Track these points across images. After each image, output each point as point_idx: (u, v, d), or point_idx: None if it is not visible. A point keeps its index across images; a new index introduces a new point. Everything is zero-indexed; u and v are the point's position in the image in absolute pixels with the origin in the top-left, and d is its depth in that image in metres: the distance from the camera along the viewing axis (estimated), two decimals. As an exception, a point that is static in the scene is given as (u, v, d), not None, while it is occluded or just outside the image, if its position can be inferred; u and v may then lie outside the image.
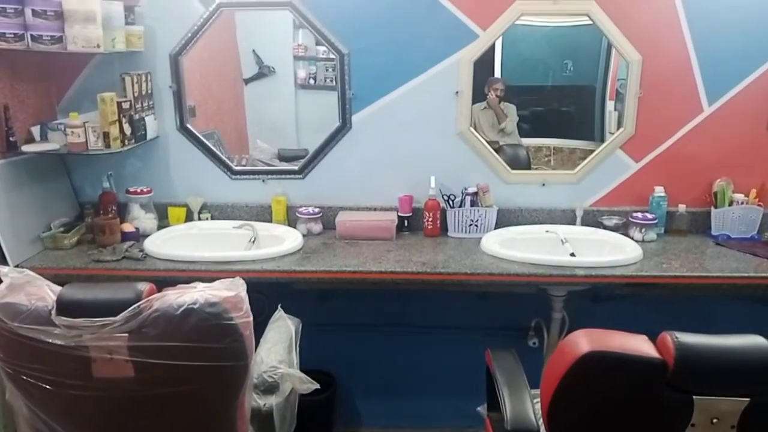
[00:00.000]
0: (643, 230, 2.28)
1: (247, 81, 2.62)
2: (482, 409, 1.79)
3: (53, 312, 1.27)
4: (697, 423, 1.07)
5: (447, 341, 2.50)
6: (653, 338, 1.13)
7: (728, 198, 2.31)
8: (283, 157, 2.55)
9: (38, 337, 1.28)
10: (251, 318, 1.35)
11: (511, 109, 2.55)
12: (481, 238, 2.25)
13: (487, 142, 2.40)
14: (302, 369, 1.70)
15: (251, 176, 2.42)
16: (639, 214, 2.30)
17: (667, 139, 2.34)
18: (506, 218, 2.39)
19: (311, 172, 2.41)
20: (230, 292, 1.31)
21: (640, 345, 1.09)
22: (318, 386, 1.68)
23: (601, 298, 2.34)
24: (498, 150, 2.46)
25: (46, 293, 1.31)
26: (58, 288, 1.33)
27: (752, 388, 1.06)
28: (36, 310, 1.28)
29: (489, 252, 2.14)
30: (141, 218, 2.29)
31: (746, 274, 1.98)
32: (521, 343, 2.42)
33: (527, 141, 2.57)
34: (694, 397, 1.06)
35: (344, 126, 2.35)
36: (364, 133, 2.37)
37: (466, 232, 2.34)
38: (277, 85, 2.64)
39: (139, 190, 2.31)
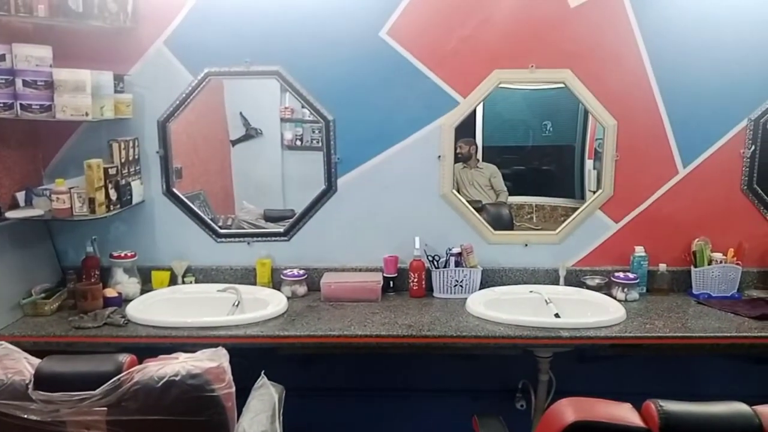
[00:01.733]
0: (626, 290, 2.30)
1: (234, 142, 2.66)
2: (471, 478, 1.75)
3: (30, 386, 1.25)
4: (685, 494, 1.06)
5: (433, 405, 2.46)
6: (638, 401, 1.13)
7: (707, 257, 2.35)
8: (269, 218, 2.56)
9: (13, 412, 1.25)
10: (233, 389, 1.34)
11: (491, 169, 2.61)
12: (466, 298, 2.25)
13: (470, 201, 2.44)
14: None
15: (236, 239, 2.43)
16: (621, 274, 2.33)
17: (645, 199, 2.40)
18: (490, 278, 2.41)
19: (296, 234, 2.43)
20: (213, 362, 1.30)
21: (625, 414, 1.09)
22: (302, 457, 1.64)
23: (587, 359, 2.34)
24: (481, 209, 2.51)
25: (23, 366, 1.29)
26: (36, 361, 1.31)
27: (738, 457, 1.05)
28: (12, 384, 1.26)
29: (474, 313, 2.14)
30: (124, 283, 2.27)
31: (729, 334, 1.99)
32: (509, 405, 2.39)
33: (510, 199, 2.62)
34: (679, 467, 1.05)
35: (330, 189, 2.39)
36: (349, 195, 2.40)
37: (451, 292, 2.35)
38: (263, 146, 2.69)
39: (123, 255, 2.30)
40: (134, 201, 2.29)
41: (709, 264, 2.34)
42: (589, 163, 2.61)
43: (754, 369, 2.35)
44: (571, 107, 2.52)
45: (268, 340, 1.98)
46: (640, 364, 2.37)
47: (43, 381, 1.25)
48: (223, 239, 2.43)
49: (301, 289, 2.35)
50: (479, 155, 2.60)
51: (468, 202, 2.44)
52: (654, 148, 2.37)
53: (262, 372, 1.87)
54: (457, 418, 2.38)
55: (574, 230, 2.43)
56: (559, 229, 2.43)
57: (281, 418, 1.79)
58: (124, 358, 1.29)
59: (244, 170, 2.70)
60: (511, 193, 2.64)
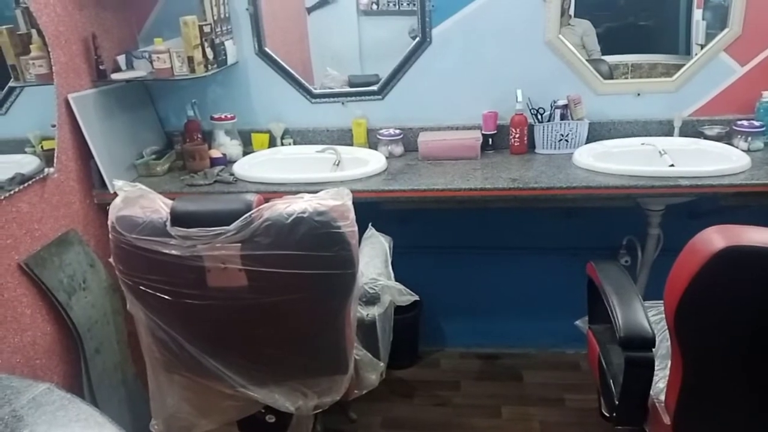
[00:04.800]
0: (749, 139, 2.12)
1: (309, 9, 2.55)
2: (582, 323, 1.76)
3: (168, 223, 1.30)
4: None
5: (532, 262, 2.46)
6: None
7: None
8: (353, 84, 2.48)
9: (155, 248, 1.32)
10: (356, 228, 1.35)
11: (584, 26, 2.38)
12: (571, 153, 2.15)
13: None
14: None
15: (330, 99, 2.39)
16: (744, 122, 2.13)
17: (779, 38, 2.14)
18: (598, 132, 2.28)
19: (390, 93, 2.35)
20: (337, 201, 1.31)
21: (782, 238, 1.02)
22: (417, 297, 1.69)
23: (699, 214, 2.22)
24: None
25: (159, 206, 1.34)
26: (169, 201, 1.36)
27: None
28: (152, 222, 1.32)
29: (583, 166, 2.05)
30: (227, 144, 2.31)
31: None
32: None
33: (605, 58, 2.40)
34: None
35: (424, 41, 2.26)
36: (445, 47, 2.27)
37: (555, 148, 2.25)
38: (339, 12, 2.56)
39: (223, 117, 2.32)
40: (229, 61, 2.27)
41: None
42: (698, 14, 2.32)
43: None
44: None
45: (372, 194, 1.99)
46: (759, 222, 2.24)
47: (178, 218, 1.30)
48: (318, 100, 2.39)
49: (398, 149, 2.31)
50: (572, 10, 2.37)
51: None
52: (796, -25, 2.07)
53: (370, 224, 1.91)
54: (555, 274, 2.39)
55: (693, 76, 2.22)
56: (676, 75, 2.23)
57: (392, 266, 1.85)
58: (253, 197, 1.32)
59: (321, 39, 2.61)
60: (603, 53, 2.41)
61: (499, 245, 2.48)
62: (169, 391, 1.52)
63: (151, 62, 2.10)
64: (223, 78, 2.37)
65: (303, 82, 2.38)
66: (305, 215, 1.27)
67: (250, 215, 1.27)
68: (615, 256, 2.35)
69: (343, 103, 2.39)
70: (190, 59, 2.07)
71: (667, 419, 1.26)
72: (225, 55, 2.24)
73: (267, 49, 2.34)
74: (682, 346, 1.14)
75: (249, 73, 2.38)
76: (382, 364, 1.63)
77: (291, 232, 1.27)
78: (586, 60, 2.32)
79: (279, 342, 1.41)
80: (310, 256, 1.29)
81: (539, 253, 2.44)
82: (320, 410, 1.50)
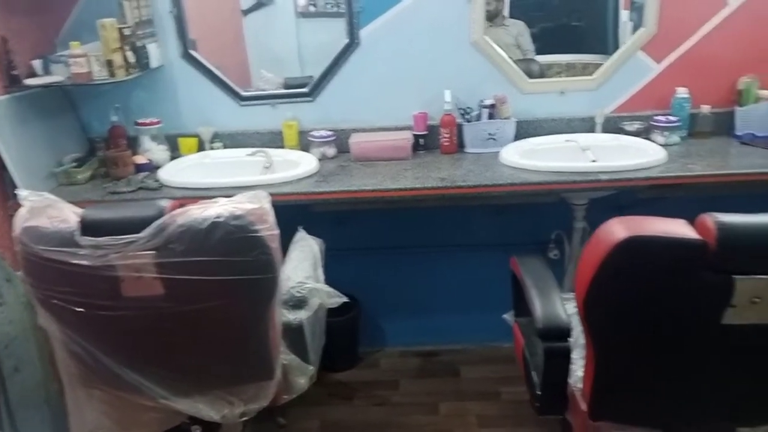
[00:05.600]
0: (666, 133, 2.21)
1: (245, 12, 2.52)
2: (509, 317, 1.79)
3: (77, 233, 1.26)
4: (737, 304, 1.06)
5: (467, 258, 2.50)
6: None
7: (754, 96, 2.23)
8: (289, 86, 2.47)
9: (64, 259, 1.27)
10: (277, 231, 1.33)
11: (518, 26, 2.44)
12: (499, 152, 2.20)
13: None
14: None
15: (260, 102, 2.36)
16: (662, 117, 2.23)
17: (690, 36, 2.24)
18: (525, 130, 2.33)
19: (321, 94, 2.35)
20: (254, 204, 1.29)
21: (679, 228, 1.06)
22: (345, 299, 1.70)
23: (623, 207, 2.30)
24: (511, 66, 2.38)
25: (68, 215, 1.29)
26: (79, 210, 1.31)
27: (795, 264, 1.03)
28: (59, 233, 1.27)
29: (509, 163, 2.09)
30: (153, 150, 2.25)
31: (774, 170, 1.93)
32: (542, 256, 2.41)
33: (538, 59, 2.46)
34: (734, 277, 1.04)
35: (352, 42, 2.27)
36: (373, 49, 2.28)
37: (484, 146, 2.29)
38: (276, 14, 2.54)
39: (148, 122, 2.26)
40: (152, 65, 2.21)
41: (756, 102, 2.23)
42: (624, 14, 2.42)
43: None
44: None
45: (302, 197, 1.98)
46: (678, 213, 2.34)
47: (89, 227, 1.26)
48: (247, 102, 2.36)
49: (331, 151, 2.31)
50: (506, 11, 2.42)
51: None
52: (702, -22, 2.17)
53: (300, 227, 1.89)
54: (489, 268, 2.43)
55: (613, 74, 2.30)
56: (596, 74, 2.31)
57: (323, 269, 1.84)
58: (166, 202, 1.29)
59: (259, 41, 2.58)
60: (538, 53, 2.47)
61: (434, 243, 2.51)
62: (88, 407, 1.46)
63: (68, 67, 2.02)
64: (148, 82, 2.30)
65: (231, 84, 2.34)
66: (221, 220, 1.25)
67: (162, 221, 1.24)
68: (545, 251, 2.41)
69: (273, 106, 2.37)
70: (110, 63, 2.01)
71: (584, 406, 1.30)
72: (148, 58, 2.18)
73: (192, 52, 2.29)
74: (592, 335, 1.18)
75: (175, 76, 2.33)
76: (311, 367, 1.62)
77: (206, 238, 1.25)
78: (521, 60, 2.38)
79: (200, 350, 1.38)
80: (228, 261, 1.27)
81: (473, 250, 2.48)
82: (248, 417, 1.48)
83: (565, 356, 1.34)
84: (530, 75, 2.38)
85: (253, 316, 1.38)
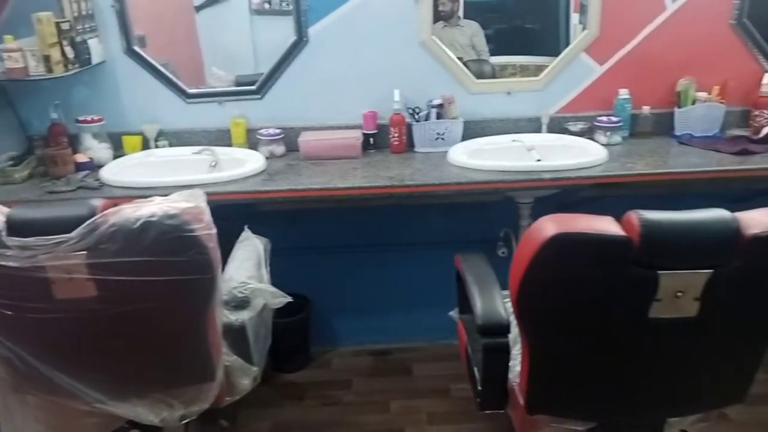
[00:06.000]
0: (608, 133, 2.27)
1: (198, 8, 2.47)
2: (454, 314, 1.81)
3: (3, 233, 1.21)
4: (662, 297, 1.09)
5: (418, 257, 2.51)
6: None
7: (691, 97, 2.31)
8: (241, 84, 2.44)
9: (-11, 260, 1.22)
10: (214, 230, 1.31)
11: (473, 27, 2.46)
12: (447, 151, 2.22)
13: None
14: None
15: (207, 99, 2.33)
16: (604, 118, 2.29)
17: (631, 39, 2.31)
18: (473, 130, 2.36)
19: (270, 92, 2.33)
20: (189, 203, 1.27)
21: (605, 225, 1.09)
22: (290, 299, 1.68)
23: (568, 205, 2.36)
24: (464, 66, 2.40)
25: (-7, 215, 1.25)
26: (5, 209, 1.26)
27: (715, 259, 1.07)
28: (-16, 233, 1.22)
29: (456, 163, 2.12)
30: (94, 148, 2.19)
31: (709, 169, 2.00)
32: (491, 254, 2.43)
33: (493, 59, 2.49)
34: (658, 272, 1.07)
35: (301, 40, 2.25)
36: (322, 47, 2.28)
37: (432, 146, 2.31)
38: (230, 11, 2.50)
39: (89, 119, 2.20)
40: (94, 61, 2.15)
41: (693, 104, 2.31)
42: (574, 17, 2.47)
43: (732, 209, 2.39)
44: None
45: (248, 195, 1.96)
46: (620, 210, 2.40)
47: (16, 227, 1.21)
48: (193, 100, 2.32)
49: (279, 149, 2.29)
50: (461, 12, 2.45)
51: (448, 59, 2.33)
52: (642, -18, 2.24)
53: (246, 226, 1.87)
54: (440, 266, 2.44)
55: (558, 75, 2.35)
56: (542, 74, 2.35)
57: (269, 268, 1.82)
58: (98, 201, 1.26)
59: (212, 38, 2.53)
60: (493, 54, 2.51)
61: (385, 243, 2.51)
62: (20, 413, 1.41)
63: (2, 61, 1.95)
64: (89, 78, 2.24)
65: (177, 82, 2.30)
66: (154, 219, 1.22)
67: (93, 221, 1.21)
68: (493, 249, 2.44)
69: (220, 103, 2.33)
70: (47, 58, 1.94)
71: (521, 401, 1.33)
72: (89, 54, 2.12)
73: (136, 48, 2.24)
74: (525, 330, 1.20)
75: (118, 72, 2.28)
76: (255, 368, 1.60)
77: (140, 238, 1.22)
78: (474, 60, 2.40)
79: (136, 353, 1.35)
80: (163, 261, 1.24)
81: (424, 249, 2.50)
82: (188, 420, 1.46)
83: (503, 352, 1.37)
84: (482, 75, 2.42)
85: (190, 317, 1.35)
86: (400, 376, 2.46)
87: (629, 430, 1.36)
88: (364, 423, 2.20)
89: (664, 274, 1.07)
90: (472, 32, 2.49)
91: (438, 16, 2.32)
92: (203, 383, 1.44)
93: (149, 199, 1.27)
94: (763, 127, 2.30)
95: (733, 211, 1.09)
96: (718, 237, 1.06)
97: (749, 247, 1.06)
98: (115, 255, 1.22)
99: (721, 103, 2.31)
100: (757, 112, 2.35)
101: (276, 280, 1.84)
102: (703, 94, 2.31)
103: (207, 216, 1.29)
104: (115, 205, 1.26)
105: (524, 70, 2.51)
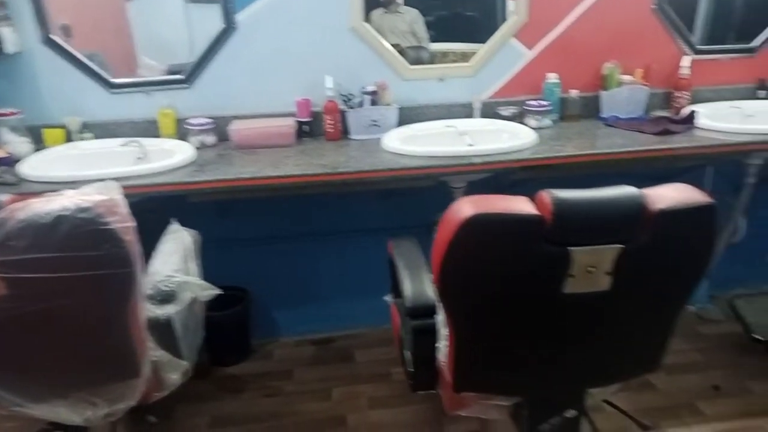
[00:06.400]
0: (539, 117, 2.32)
1: None
2: (388, 298, 1.82)
3: None
4: (575, 273, 1.12)
5: (355, 244, 2.52)
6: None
7: (616, 80, 2.39)
8: (173, 73, 2.37)
9: None
10: (132, 223, 1.27)
11: (412, 14, 2.46)
12: (382, 138, 2.22)
13: (391, 44, 2.33)
14: (216, 285, 1.65)
15: (133, 89, 2.25)
16: (534, 102, 2.34)
17: (558, 24, 2.36)
18: (407, 116, 2.37)
19: (199, 80, 2.27)
20: (103, 195, 1.23)
21: (520, 205, 1.11)
22: (220, 291, 1.65)
23: (501, 188, 2.38)
24: (401, 53, 2.39)
25: None
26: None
27: (624, 234, 1.11)
28: None
29: (390, 149, 2.12)
30: (13, 142, 2.09)
31: (632, 149, 2.07)
32: (426, 238, 2.45)
33: (434, 46, 2.50)
34: (570, 248, 1.10)
35: (229, 26, 2.20)
36: (252, 33, 2.23)
37: (367, 133, 2.31)
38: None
39: (7, 112, 2.10)
40: (8, 50, 2.05)
41: (618, 87, 2.38)
42: (510, 5, 2.50)
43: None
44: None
45: (177, 187, 1.90)
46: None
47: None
48: (118, 90, 2.24)
49: (210, 139, 2.24)
50: None
51: (390, 46, 2.33)
52: (566, -32, 2.29)
53: (174, 219, 1.82)
54: (377, 253, 2.45)
55: (489, 60, 2.38)
56: (473, 60, 2.38)
57: (200, 261, 1.78)
58: (4, 196, 1.20)
59: (145, 28, 2.45)
60: (436, 41, 2.52)
61: (324, 230, 2.50)
62: (-69, 422, 1.35)
63: None
64: (4, 69, 2.14)
65: (100, 72, 2.21)
66: (66, 213, 1.17)
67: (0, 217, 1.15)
68: (429, 233, 2.45)
69: (147, 93, 2.26)
70: (-47, 47, 1.84)
71: (449, 379, 1.35)
72: (1, 43, 2.01)
73: (53, 37, 2.15)
74: (448, 309, 1.22)
75: (36, 63, 2.17)
76: (184, 362, 1.56)
77: (51, 233, 1.17)
78: (412, 47, 2.40)
79: (54, 352, 1.31)
80: (77, 257, 1.20)
81: (362, 235, 2.50)
82: (115, 418, 1.42)
83: (431, 333, 1.39)
84: (421, 62, 2.42)
85: (110, 313, 1.31)
86: (342, 363, 2.47)
87: (553, 403, 1.40)
88: (305, 412, 2.19)
89: (576, 250, 1.10)
90: (411, 19, 2.49)
91: (377, 3, 2.31)
92: (128, 380, 1.41)
93: (60, 192, 1.23)
94: (683, 108, 2.40)
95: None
96: (626, 213, 1.10)
97: (656, 221, 1.10)
98: (25, 251, 1.17)
99: (645, 85, 2.40)
100: (678, 94, 2.45)
101: (212, 273, 1.80)
102: (627, 77, 2.39)
103: (122, 208, 1.26)
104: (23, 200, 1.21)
105: (465, 57, 2.53)
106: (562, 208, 1.08)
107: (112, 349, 1.36)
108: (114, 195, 1.25)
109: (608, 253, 1.11)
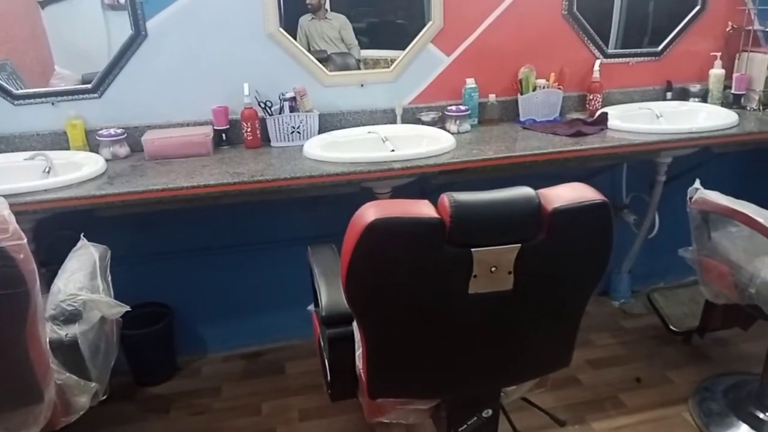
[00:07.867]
0: (458, 122, 2.36)
1: (43, 3, 2.27)
2: (311, 308, 1.80)
3: None
4: (478, 273, 1.14)
5: (280, 254, 2.47)
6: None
7: (532, 84, 2.46)
8: (87, 82, 2.28)
9: None
10: (23, 240, 1.21)
11: (340, 20, 2.46)
12: (303, 145, 2.20)
13: (314, 51, 2.32)
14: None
15: (38, 100, 2.15)
16: (453, 107, 2.37)
17: (474, 30, 2.41)
18: (329, 123, 2.36)
19: (108, 90, 2.19)
20: (-12, 212, 1.16)
21: (421, 208, 1.12)
22: (128, 308, 1.59)
23: (425, 194, 2.42)
24: (327, 59, 2.38)
25: None
26: None
27: (522, 234, 1.13)
28: None
29: (311, 156, 2.10)
30: None
31: (546, 151, 2.13)
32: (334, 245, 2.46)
33: (366, 53, 2.50)
34: (471, 249, 1.12)
35: (138, 34, 2.14)
36: (164, 41, 2.17)
37: (288, 140, 2.28)
38: (80, 6, 2.32)
39: None
40: None
41: (534, 90, 2.45)
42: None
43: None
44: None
45: (84, 201, 1.81)
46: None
47: None
48: (22, 101, 2.13)
49: (123, 150, 2.16)
50: (328, 5, 2.43)
51: (312, 52, 2.31)
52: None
53: (81, 234, 1.75)
54: (303, 264, 2.43)
55: (408, 66, 2.41)
56: (393, 66, 2.40)
57: (108, 277, 1.71)
58: None
59: (62, 36, 2.34)
60: (366, 47, 2.52)
61: (248, 241, 2.46)
62: None
63: None
64: None
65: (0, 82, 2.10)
66: (-54, 232, 1.10)
67: None
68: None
69: (53, 104, 2.16)
70: None
71: (365, 386, 1.34)
72: None
73: (-54, 46, 2.02)
74: (357, 315, 1.22)
75: (-74, 74, 2.04)
76: (93, 384, 1.50)
77: (-70, 255, 1.10)
78: (339, 53, 2.39)
79: (-60, 381, 1.22)
80: (-41, 278, 1.13)
81: (286, 245, 2.46)
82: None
83: (347, 341, 1.37)
84: (348, 68, 2.41)
85: (5, 336, 1.24)
86: (273, 376, 2.42)
87: (469, 403, 1.42)
88: (233, 428, 2.14)
89: (477, 251, 1.12)
90: (339, 25, 2.48)
91: (305, 9, 2.30)
92: (30, 405, 1.34)
93: (-61, 211, 1.15)
94: (596, 110, 2.50)
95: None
96: (523, 213, 1.13)
97: (551, 220, 1.13)
98: None
99: (559, 89, 2.48)
100: (591, 96, 2.55)
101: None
102: (542, 81, 2.47)
103: (12, 225, 1.19)
104: None
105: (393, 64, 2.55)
106: (461, 211, 1.10)
107: (11, 374, 1.28)
108: (2, 211, 1.18)
109: (508, 252, 1.14)
